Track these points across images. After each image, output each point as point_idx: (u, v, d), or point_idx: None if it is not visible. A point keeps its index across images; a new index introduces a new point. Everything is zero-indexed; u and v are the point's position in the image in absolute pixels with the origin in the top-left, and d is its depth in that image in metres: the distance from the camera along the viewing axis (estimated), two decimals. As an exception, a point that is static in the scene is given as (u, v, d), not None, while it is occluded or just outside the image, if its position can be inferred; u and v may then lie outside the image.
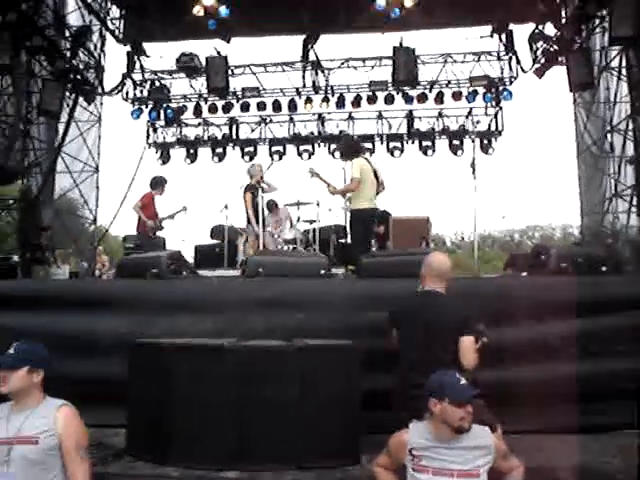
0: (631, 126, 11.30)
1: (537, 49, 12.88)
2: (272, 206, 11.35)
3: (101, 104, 15.29)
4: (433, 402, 3.38)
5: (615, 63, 11.88)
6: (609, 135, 12.36)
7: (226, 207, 9.99)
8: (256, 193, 9.38)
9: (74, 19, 12.95)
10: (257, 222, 9.12)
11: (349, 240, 10.34)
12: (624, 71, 11.47)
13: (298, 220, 10.64)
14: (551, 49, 12.40)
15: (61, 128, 13.36)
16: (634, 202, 11.45)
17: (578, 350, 5.11)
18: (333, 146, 16.41)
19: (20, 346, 3.44)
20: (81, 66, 12.93)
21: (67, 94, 12.68)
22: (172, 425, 4.21)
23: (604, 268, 5.92)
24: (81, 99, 13.37)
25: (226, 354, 4.18)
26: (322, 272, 6.07)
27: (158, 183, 10.51)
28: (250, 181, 9.80)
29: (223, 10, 12.08)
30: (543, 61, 12.72)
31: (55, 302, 5.68)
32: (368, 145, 16.30)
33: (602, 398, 5.09)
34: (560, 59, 12.14)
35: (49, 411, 3.36)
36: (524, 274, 7.00)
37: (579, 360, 5.13)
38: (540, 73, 12.85)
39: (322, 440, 4.10)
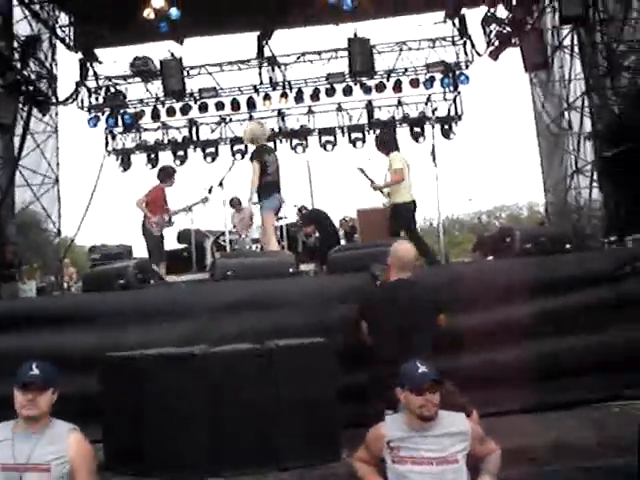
0: (587, 103, 11.47)
1: (490, 32, 13.03)
2: (236, 205, 11.28)
3: (56, 114, 15.01)
4: (399, 391, 3.41)
5: (567, 42, 12.04)
6: (566, 113, 12.54)
7: (190, 209, 9.81)
8: (266, 158, 7.94)
9: (22, 29, 12.66)
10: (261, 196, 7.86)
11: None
12: (576, 49, 11.63)
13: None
14: (504, 31, 12.57)
15: (17, 141, 13.10)
16: (594, 177, 11.65)
17: (545, 328, 5.18)
18: (295, 141, 16.38)
19: (43, 366, 3.30)
20: (33, 76, 12.71)
21: (20, 106, 12.46)
22: (149, 437, 4.16)
23: (568, 246, 6.01)
24: (35, 110, 13.13)
25: (198, 362, 4.15)
26: (290, 270, 6.05)
27: (166, 174, 9.67)
28: (255, 145, 8.27)
29: (174, 12, 11.98)
30: (497, 44, 12.88)
31: (24, 321, 5.56)
32: (329, 138, 16.32)
33: (573, 374, 5.17)
34: (513, 41, 12.31)
35: (60, 436, 3.26)
36: (490, 257, 7.08)
37: (548, 338, 5.20)
38: (495, 56, 13.00)
39: (301, 439, 4.10)
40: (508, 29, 12.42)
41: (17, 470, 3.15)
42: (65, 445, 3.23)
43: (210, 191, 8.94)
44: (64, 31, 13.74)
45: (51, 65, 13.49)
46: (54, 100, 13.87)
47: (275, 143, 16.44)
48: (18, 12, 12.49)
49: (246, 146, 16.32)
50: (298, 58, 15.31)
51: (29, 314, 5.70)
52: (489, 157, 72.53)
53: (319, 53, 15.32)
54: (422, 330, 4.34)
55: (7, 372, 3.43)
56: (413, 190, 8.04)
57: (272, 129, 16.34)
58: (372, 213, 9.11)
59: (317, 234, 10.93)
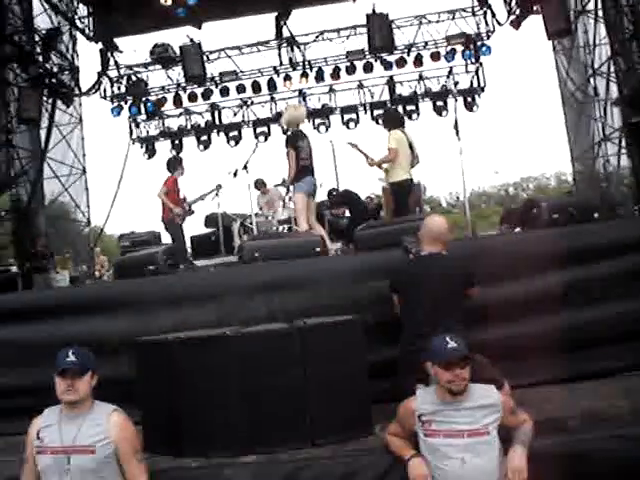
0: (612, 68, 11.25)
1: (511, 0, 12.78)
2: (261, 186, 11.32)
3: (80, 105, 15.26)
4: (429, 365, 3.45)
5: (591, 6, 11.79)
6: (592, 79, 12.32)
7: (217, 194, 9.89)
8: (300, 142, 8.06)
9: (42, 22, 12.81)
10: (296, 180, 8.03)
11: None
12: (600, 13, 11.39)
13: (290, 199, 10.63)
14: (525, -2, 12.32)
15: (43, 134, 13.30)
16: (623, 144, 11.46)
17: (577, 298, 5.15)
18: (318, 121, 16.35)
19: (79, 351, 3.41)
20: (55, 69, 12.87)
21: (45, 99, 12.62)
22: (185, 417, 4.24)
23: (596, 215, 5.94)
24: (59, 102, 13.29)
25: (229, 342, 4.21)
26: (317, 250, 6.08)
27: (175, 164, 9.97)
28: (291, 130, 8.42)
29: (191, -4, 11.95)
30: (518, 12, 12.68)
31: (58, 310, 5.68)
32: (352, 116, 16.24)
33: (606, 342, 5.14)
34: (535, 8, 12.06)
35: (102, 418, 3.37)
36: (517, 229, 7.03)
37: (579, 308, 5.16)
38: (516, 24, 12.80)
39: (333, 415, 4.14)
40: (529, -5, 12.21)
41: (65, 452, 3.29)
42: (108, 426, 3.35)
43: (235, 174, 9.00)
44: (83, 22, 13.86)
45: (72, 57, 13.63)
46: (77, 91, 14.02)
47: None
48: (37, 5, 12.62)
49: (269, 128, 16.45)
50: (317, 37, 15.25)
51: (64, 302, 5.83)
52: (514, 128, 71.77)
53: (338, 31, 15.22)
54: (453, 304, 4.34)
55: (48, 359, 3.55)
56: (414, 167, 8.22)
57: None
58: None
59: (348, 215, 10.98)
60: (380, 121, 8.63)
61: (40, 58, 12.41)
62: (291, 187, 8.42)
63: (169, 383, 4.26)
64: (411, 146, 8.20)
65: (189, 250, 11.41)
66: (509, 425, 3.45)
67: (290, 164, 7.97)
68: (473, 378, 3.46)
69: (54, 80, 12.82)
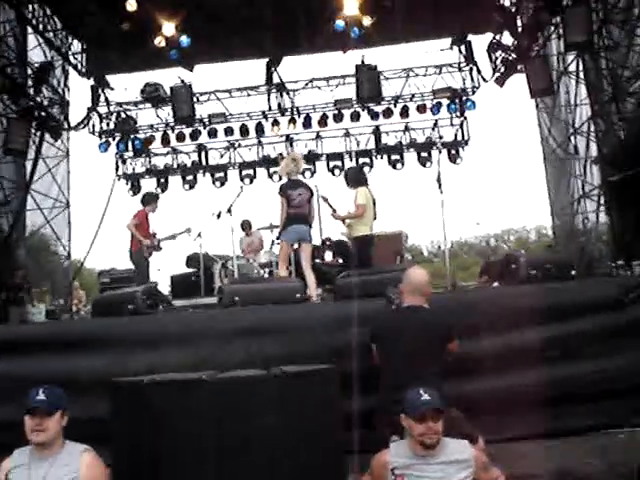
0: (592, 127, 11.56)
1: (496, 58, 13.16)
2: (247, 228, 11.37)
3: (68, 139, 15.27)
4: (402, 417, 3.44)
5: (573, 67, 12.16)
6: (572, 137, 12.62)
7: (199, 235, 9.95)
8: (290, 191, 8.14)
9: (36, 56, 12.93)
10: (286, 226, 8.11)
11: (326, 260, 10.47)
12: (582, 75, 11.74)
13: (272, 243, 10.68)
14: (510, 58, 12.71)
15: (29, 165, 13.30)
16: (602, 201, 11.69)
17: (551, 355, 5.20)
18: (304, 166, 16.50)
19: (49, 390, 3.38)
20: (45, 102, 12.94)
21: (33, 131, 12.65)
22: (158, 460, 4.18)
23: (573, 272, 6.05)
24: (47, 135, 13.33)
25: (206, 387, 4.18)
26: (298, 296, 6.11)
27: (150, 199, 10.06)
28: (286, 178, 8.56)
29: (184, 39, 12.19)
30: (503, 70, 13.00)
31: (35, 346, 5.63)
32: (337, 163, 16.42)
33: (581, 400, 5.18)
34: (519, 67, 12.42)
35: (72, 458, 3.33)
36: (496, 284, 7.12)
37: (555, 365, 5.21)
38: (501, 82, 13.12)
39: (307, 464, 4.10)
40: (514, 55, 12.58)
41: None
42: (78, 466, 3.31)
43: (219, 216, 9.04)
44: (76, 58, 14.04)
45: (63, 91, 13.75)
46: (66, 125, 14.09)
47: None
48: (32, 39, 12.76)
49: (255, 171, 16.58)
50: (306, 84, 15.51)
51: (39, 338, 5.78)
52: (496, 181, 72.80)
53: (327, 79, 15.50)
54: (432, 357, 4.35)
55: (17, 397, 3.52)
56: (374, 224, 8.51)
57: (280, 154, 16.57)
58: (379, 239, 9.15)
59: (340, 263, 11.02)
60: (344, 179, 8.74)
61: (31, 91, 12.49)
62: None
63: (143, 425, 4.21)
64: (374, 203, 8.45)
65: (168, 289, 11.38)
66: (482, 482, 3.44)
67: (280, 212, 8.11)
68: (447, 432, 3.47)
69: (43, 113, 12.88)
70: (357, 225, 8.29)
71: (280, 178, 8.61)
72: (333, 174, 16.37)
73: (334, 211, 8.57)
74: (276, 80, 14.63)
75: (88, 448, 3.43)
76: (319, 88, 15.54)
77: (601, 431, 5.17)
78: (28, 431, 3.30)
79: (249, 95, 15.69)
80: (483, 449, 3.87)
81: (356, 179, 8.68)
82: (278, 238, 8.46)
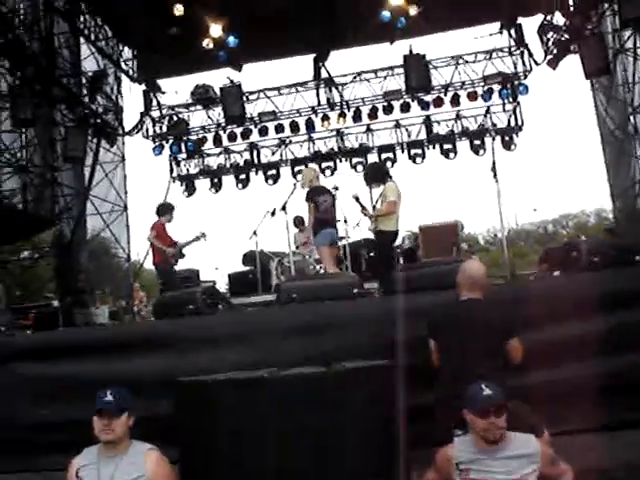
0: (653, 106, 11.17)
1: (548, 40, 12.83)
2: (299, 224, 11.42)
3: (123, 144, 15.64)
4: (465, 412, 3.40)
5: (630, 44, 11.76)
6: (632, 117, 12.21)
7: (255, 234, 10.04)
8: (317, 198, 8.53)
9: (89, 65, 13.29)
10: (315, 233, 8.57)
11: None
12: (639, 52, 11.35)
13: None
14: (562, 39, 12.35)
15: (87, 172, 13.69)
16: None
17: (618, 344, 5.05)
18: (355, 160, 16.51)
19: (117, 392, 3.50)
20: (100, 110, 13.30)
21: (89, 138, 13.01)
22: (222, 458, 4.26)
23: (638, 258, 5.84)
24: (104, 141, 13.69)
25: (267, 385, 4.23)
26: (355, 291, 6.09)
27: (166, 210, 9.94)
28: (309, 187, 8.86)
29: (232, 40, 12.30)
30: (555, 52, 12.67)
31: (99, 349, 5.79)
32: (389, 155, 16.35)
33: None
34: (572, 47, 12.06)
35: (139, 457, 3.45)
36: (556, 272, 6.96)
37: (621, 354, 5.06)
38: (554, 64, 12.78)
39: (369, 460, 4.10)
40: (566, 36, 12.21)
41: None
42: (145, 465, 3.40)
43: (273, 214, 9.12)
44: (128, 64, 14.37)
45: (117, 97, 14.10)
46: (121, 131, 14.44)
47: (335, 163, 16.63)
48: (85, 49, 13.11)
49: (306, 167, 16.60)
50: (355, 78, 15.49)
51: (105, 341, 5.94)
52: (553, 166, 71.08)
53: (375, 72, 15.46)
54: (492, 351, 4.28)
55: (85, 398, 3.63)
56: (400, 221, 8.32)
57: (332, 149, 16.64)
58: (435, 230, 9.07)
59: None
60: (366, 178, 8.66)
61: (86, 99, 12.85)
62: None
63: (207, 423, 4.29)
64: (400, 199, 8.28)
65: (226, 287, 11.55)
66: (548, 476, 3.38)
67: (309, 217, 8.52)
68: (512, 426, 3.41)
69: (99, 120, 13.25)
70: (384, 220, 8.13)
71: (302, 187, 8.68)
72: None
73: (364, 208, 8.40)
74: (324, 75, 14.65)
75: (154, 447, 3.53)
76: (368, 81, 15.51)
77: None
78: (97, 431, 3.41)
79: (298, 91, 15.77)
80: (549, 442, 3.79)
81: (380, 174, 8.51)
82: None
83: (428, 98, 15.09)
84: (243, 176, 16.98)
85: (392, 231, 8.19)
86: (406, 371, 4.57)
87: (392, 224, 8.14)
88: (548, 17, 12.66)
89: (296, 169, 16.57)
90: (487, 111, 16.17)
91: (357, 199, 8.44)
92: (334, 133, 16.64)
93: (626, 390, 4.93)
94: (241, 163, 17.13)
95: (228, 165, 17.22)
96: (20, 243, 14.24)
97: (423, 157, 16.27)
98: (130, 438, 3.54)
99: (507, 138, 15.89)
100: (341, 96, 15.43)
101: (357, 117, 15.53)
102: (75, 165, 13.38)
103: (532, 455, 3.33)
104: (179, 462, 4.28)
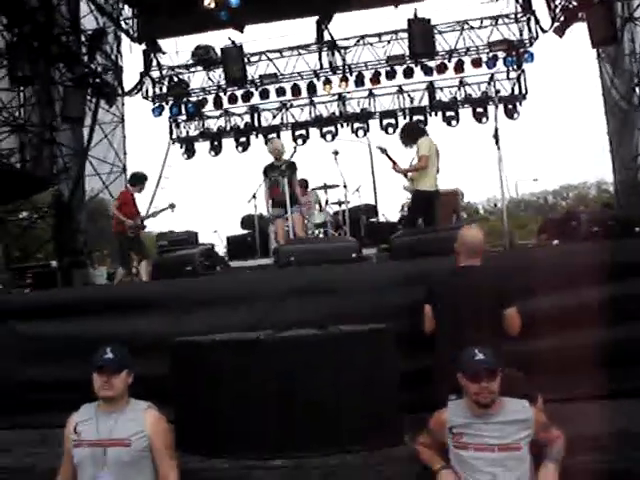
0: (659, 77, 11.04)
1: (555, 7, 12.63)
2: (302, 186, 11.34)
3: (122, 104, 15.52)
4: (459, 377, 3.42)
5: (638, 13, 11.58)
6: (637, 88, 12.08)
7: (254, 197, 10.00)
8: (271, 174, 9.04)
9: (88, 23, 13.09)
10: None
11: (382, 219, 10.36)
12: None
13: (327, 203, 10.67)
14: (570, 6, 12.14)
15: (86, 132, 13.58)
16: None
17: (615, 314, 5.05)
18: (356, 125, 16.38)
19: (117, 349, 3.51)
20: (99, 69, 13.14)
21: (88, 98, 12.87)
22: (217, 419, 4.29)
23: (637, 229, 5.82)
24: (103, 102, 13.55)
25: (263, 346, 4.24)
26: (353, 255, 6.09)
27: (137, 180, 9.72)
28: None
29: (233, 0, 12.05)
30: (562, 19, 12.45)
31: (98, 307, 5.80)
32: (391, 120, 16.21)
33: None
34: (580, 15, 11.85)
35: (137, 414, 3.48)
36: (556, 242, 6.94)
37: (617, 324, 5.07)
38: (560, 32, 12.59)
39: (364, 423, 4.14)
40: (574, 3, 12.01)
41: (101, 445, 3.39)
42: (143, 421, 3.45)
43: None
44: (128, 23, 14.15)
45: (116, 57, 13.91)
46: (120, 91, 14.27)
47: (336, 127, 16.51)
48: (84, 7, 12.89)
49: (307, 131, 16.54)
50: (358, 41, 15.28)
51: (106, 300, 5.94)
52: (555, 136, 70.66)
53: (379, 35, 15.24)
54: (489, 316, 4.30)
55: (83, 356, 3.64)
56: (439, 178, 7.93)
57: (333, 113, 16.49)
58: (441, 197, 8.94)
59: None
60: (402, 137, 8.12)
61: (85, 58, 12.68)
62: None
63: (203, 384, 4.32)
64: (437, 155, 7.95)
65: (224, 250, 11.54)
66: (541, 441, 3.40)
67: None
68: (506, 392, 3.43)
69: (98, 80, 13.09)
70: (421, 178, 7.71)
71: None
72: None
73: (394, 163, 7.97)
74: (327, 38, 14.43)
75: (152, 405, 3.57)
76: (371, 45, 15.31)
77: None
78: (96, 387, 3.44)
79: (300, 54, 15.57)
80: (542, 409, 3.81)
81: (415, 132, 8.08)
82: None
83: (432, 64, 14.93)
84: (243, 139, 16.90)
85: (429, 191, 7.74)
86: (404, 335, 4.60)
87: (428, 182, 7.71)
88: (556, -17, 12.46)
89: (297, 133, 16.49)
90: (491, 78, 16.01)
91: (384, 151, 8.03)
92: (336, 97, 16.49)
93: (620, 360, 4.94)
94: (241, 126, 17.03)
95: (228, 128, 17.12)
96: (19, 203, 14.18)
97: (425, 124, 16.08)
98: (128, 396, 3.57)
99: (510, 106, 15.75)
100: (343, 60, 15.24)
101: (359, 82, 15.38)
102: (74, 125, 13.26)
103: (525, 421, 3.34)
104: (174, 421, 4.32)
